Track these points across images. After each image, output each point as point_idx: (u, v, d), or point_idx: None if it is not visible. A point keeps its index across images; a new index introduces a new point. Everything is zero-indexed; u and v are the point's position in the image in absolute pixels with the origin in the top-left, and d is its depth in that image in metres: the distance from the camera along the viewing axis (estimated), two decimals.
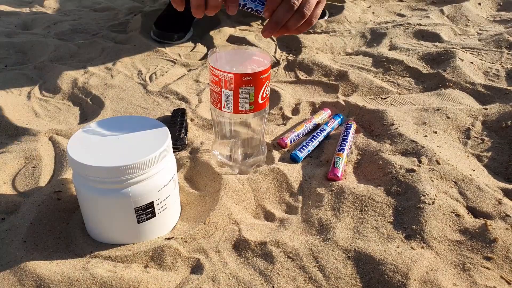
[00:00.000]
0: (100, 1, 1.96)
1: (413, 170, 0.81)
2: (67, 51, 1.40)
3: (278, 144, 0.94)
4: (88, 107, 1.12)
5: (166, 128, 0.70)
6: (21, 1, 1.96)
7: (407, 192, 0.77)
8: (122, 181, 0.62)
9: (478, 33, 1.51)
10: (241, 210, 0.77)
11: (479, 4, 1.74)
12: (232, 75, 0.71)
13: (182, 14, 1.50)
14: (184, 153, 0.91)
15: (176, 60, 1.37)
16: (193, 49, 1.46)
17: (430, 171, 0.81)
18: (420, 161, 0.84)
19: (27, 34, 1.55)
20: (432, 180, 0.79)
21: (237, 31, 1.58)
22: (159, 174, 0.66)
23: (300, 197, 0.80)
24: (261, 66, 0.75)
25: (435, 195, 0.76)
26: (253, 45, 1.45)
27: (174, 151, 0.92)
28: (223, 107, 0.76)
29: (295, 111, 1.09)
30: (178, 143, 0.92)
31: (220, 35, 1.54)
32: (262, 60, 0.77)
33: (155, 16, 1.59)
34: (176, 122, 0.99)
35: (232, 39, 1.52)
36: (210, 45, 1.48)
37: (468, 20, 1.62)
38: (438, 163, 0.83)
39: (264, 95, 0.76)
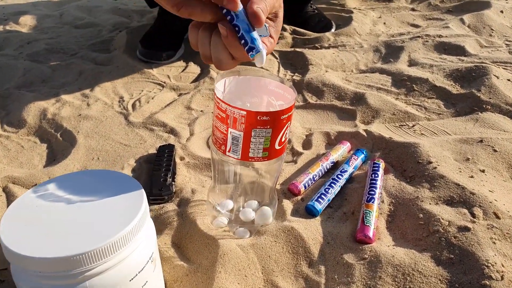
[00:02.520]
0: (83, 16, 1.78)
1: (467, 229, 0.63)
2: (38, 74, 1.22)
3: (289, 190, 0.75)
4: (58, 144, 0.93)
5: (142, 190, 0.51)
6: None
7: (464, 261, 0.59)
8: (76, 275, 0.43)
9: (506, 44, 1.33)
10: None
11: (502, 12, 1.57)
12: (245, 113, 0.53)
13: (172, 30, 1.32)
14: (171, 206, 0.72)
15: (164, 83, 1.18)
16: (184, 69, 1.27)
17: (489, 229, 0.63)
18: (473, 214, 0.66)
19: None
20: (494, 242, 0.61)
21: None
22: (130, 258, 0.47)
23: (322, 268, 0.61)
24: (281, 100, 0.57)
25: (502, 265, 0.57)
26: (253, 63, 1.27)
27: (158, 203, 0.73)
28: (228, 151, 0.57)
29: (307, 144, 0.90)
30: (164, 193, 0.74)
31: None
32: (283, 93, 0.58)
33: (142, 32, 1.41)
34: (161, 163, 0.81)
35: None
36: (203, 64, 1.29)
37: (492, 29, 1.44)
38: (497, 217, 0.65)
39: (283, 139, 0.58)
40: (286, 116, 0.55)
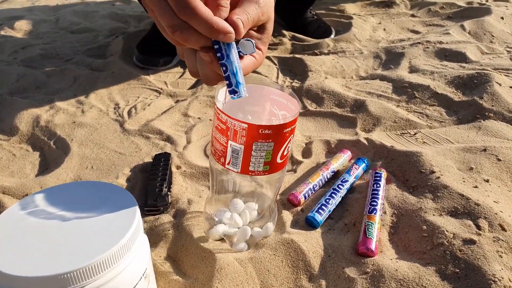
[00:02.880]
0: (79, 21, 1.76)
1: (472, 242, 0.60)
2: (32, 81, 1.19)
3: (288, 201, 0.73)
4: (51, 152, 0.91)
5: (135, 203, 0.49)
6: None
7: (470, 276, 0.56)
8: None
9: (507, 51, 1.32)
10: None
11: (502, 18, 1.55)
12: (246, 126, 0.51)
13: None
14: (166, 217, 0.70)
15: (161, 89, 1.16)
16: (181, 76, 1.25)
17: (495, 242, 0.61)
18: (478, 226, 0.63)
19: None
20: (501, 256, 0.59)
21: None
22: (122, 275, 0.45)
23: (323, 282, 0.59)
24: (284, 110, 0.54)
25: (510, 280, 0.55)
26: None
27: (153, 214, 0.71)
28: (228, 164, 0.55)
29: (306, 152, 0.88)
30: (159, 203, 0.71)
31: None
32: (286, 103, 0.56)
33: (139, 38, 1.39)
34: (157, 173, 0.78)
35: None
36: None
37: (493, 36, 1.43)
38: (503, 229, 0.63)
39: (285, 153, 0.55)
40: (289, 129, 0.53)
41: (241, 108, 0.55)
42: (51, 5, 2.06)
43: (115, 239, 0.43)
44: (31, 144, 0.94)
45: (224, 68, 0.48)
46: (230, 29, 0.47)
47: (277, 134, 0.52)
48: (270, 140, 0.52)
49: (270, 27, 0.55)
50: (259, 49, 0.54)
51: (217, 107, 0.53)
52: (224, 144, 0.54)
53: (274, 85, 0.58)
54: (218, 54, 0.48)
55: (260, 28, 0.55)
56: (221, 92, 0.54)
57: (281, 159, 0.55)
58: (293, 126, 0.54)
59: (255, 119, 0.51)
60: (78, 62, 1.32)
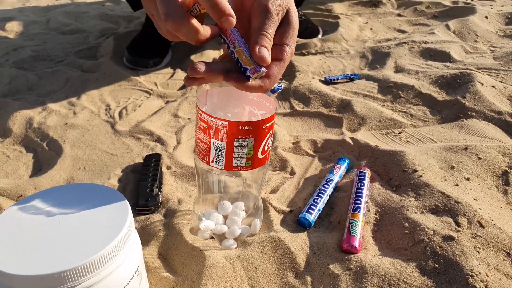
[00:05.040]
0: (70, 22, 1.77)
1: (451, 238, 0.63)
2: (24, 82, 1.21)
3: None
4: (44, 153, 0.92)
5: (127, 204, 0.51)
6: None
7: (448, 270, 0.59)
8: None
9: (491, 50, 1.35)
10: None
11: (486, 17, 1.59)
12: (227, 123, 0.54)
13: (159, 36, 1.31)
14: (157, 217, 0.72)
15: (151, 90, 1.18)
16: (171, 77, 1.27)
17: (473, 238, 0.63)
18: (457, 223, 0.66)
19: None
20: (478, 251, 0.61)
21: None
22: (116, 273, 0.47)
23: (309, 278, 0.61)
24: (263, 109, 0.57)
25: (486, 275, 0.58)
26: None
27: (144, 214, 0.73)
28: (212, 161, 0.58)
29: (294, 151, 0.90)
30: (150, 203, 0.74)
31: (202, 59, 1.35)
32: (264, 102, 0.59)
33: (129, 39, 1.41)
34: (148, 173, 0.80)
35: None
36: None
37: (477, 35, 1.46)
38: (481, 225, 0.65)
39: (266, 148, 0.58)
40: (268, 125, 0.56)
41: (222, 109, 0.58)
42: (42, 6, 2.07)
43: (108, 239, 0.46)
44: (24, 145, 0.96)
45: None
46: (232, 13, 0.48)
47: (257, 130, 0.55)
48: (251, 136, 0.55)
49: (292, 17, 0.55)
50: (286, 44, 0.54)
51: (199, 108, 0.56)
52: (207, 142, 0.57)
53: None
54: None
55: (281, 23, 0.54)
56: (202, 94, 0.58)
57: (262, 154, 0.58)
58: (271, 122, 0.57)
59: (235, 117, 0.54)
60: (69, 64, 1.34)
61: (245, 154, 0.57)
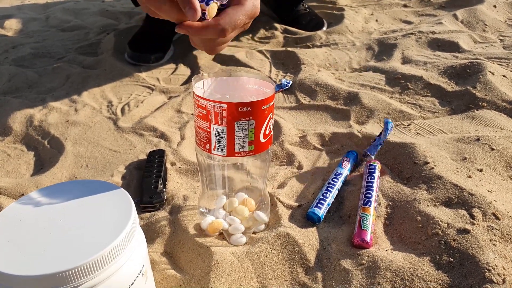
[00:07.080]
0: (69, 19, 1.75)
1: (466, 231, 0.61)
2: (24, 80, 1.19)
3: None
4: (45, 151, 0.91)
5: (131, 201, 0.49)
6: None
7: (464, 264, 0.57)
8: None
9: (500, 39, 1.32)
10: None
11: (495, 6, 1.56)
12: (225, 106, 0.53)
13: (161, 32, 1.30)
14: (162, 213, 0.70)
15: (154, 85, 1.16)
16: (174, 72, 1.25)
17: (489, 231, 0.61)
18: (472, 216, 0.64)
19: None
20: (495, 245, 0.59)
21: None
22: (120, 272, 0.45)
23: (319, 275, 0.59)
24: (261, 96, 0.56)
25: (504, 268, 0.56)
26: (244, 63, 1.25)
27: (149, 211, 0.71)
28: (214, 149, 0.56)
29: (301, 145, 0.88)
30: (155, 200, 0.72)
31: (205, 54, 1.33)
32: (263, 89, 0.58)
33: (130, 34, 1.39)
34: (152, 170, 0.78)
35: (219, 58, 1.31)
36: (193, 66, 1.27)
37: (486, 25, 1.43)
38: (497, 218, 0.63)
39: (267, 131, 0.57)
40: (268, 106, 0.55)
41: (221, 95, 0.57)
42: (41, 3, 2.05)
43: (112, 237, 0.44)
44: (25, 143, 0.94)
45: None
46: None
47: (257, 111, 0.54)
48: (251, 118, 0.54)
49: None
50: None
51: (196, 95, 0.55)
52: (207, 129, 0.55)
53: (249, 74, 0.60)
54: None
55: None
56: (199, 83, 0.57)
57: (264, 138, 0.57)
58: (271, 104, 0.56)
59: (233, 99, 0.53)
60: (69, 61, 1.32)
61: (247, 138, 0.55)
